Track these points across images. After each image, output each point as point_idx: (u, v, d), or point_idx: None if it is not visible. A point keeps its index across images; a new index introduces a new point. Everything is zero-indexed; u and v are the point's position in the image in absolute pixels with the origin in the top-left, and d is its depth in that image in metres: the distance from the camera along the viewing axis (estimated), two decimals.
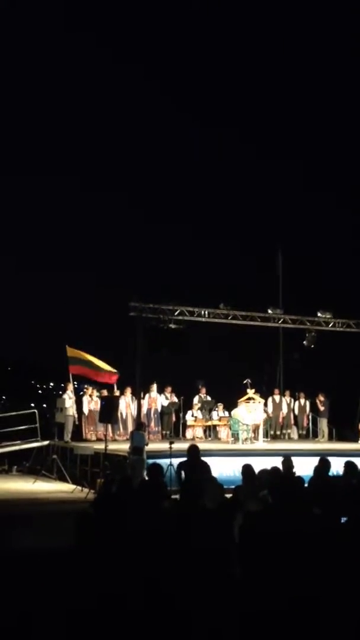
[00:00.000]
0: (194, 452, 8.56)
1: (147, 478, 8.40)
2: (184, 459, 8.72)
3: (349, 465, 7.93)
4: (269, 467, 7.37)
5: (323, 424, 19.41)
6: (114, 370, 17.69)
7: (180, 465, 8.71)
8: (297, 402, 19.93)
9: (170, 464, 12.16)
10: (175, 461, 12.62)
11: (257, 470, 7.28)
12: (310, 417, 20.01)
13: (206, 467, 8.14)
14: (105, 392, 17.74)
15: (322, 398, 19.44)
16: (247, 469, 7.16)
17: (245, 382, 17.21)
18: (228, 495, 6.57)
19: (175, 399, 18.36)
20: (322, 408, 19.41)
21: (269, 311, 18.34)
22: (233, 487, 7.03)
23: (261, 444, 16.54)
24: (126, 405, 17.68)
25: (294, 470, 8.34)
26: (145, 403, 17.61)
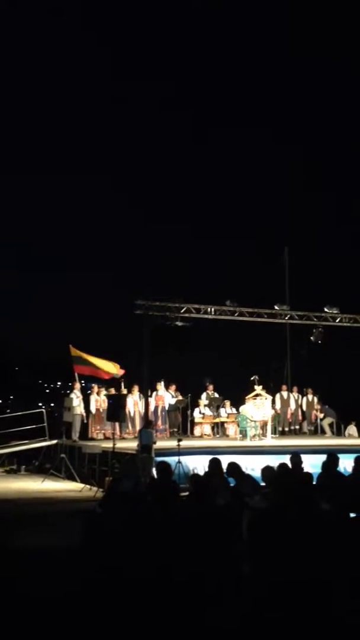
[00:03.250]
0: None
1: (155, 476, 8.38)
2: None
3: (358, 461, 7.88)
4: (275, 465, 7.33)
5: (324, 423, 19.50)
6: (115, 370, 17.66)
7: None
8: (305, 398, 19.89)
9: (179, 462, 12.15)
10: (184, 459, 12.64)
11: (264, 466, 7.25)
12: (319, 409, 19.96)
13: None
14: (112, 391, 17.76)
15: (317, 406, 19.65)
16: (235, 468, 7.13)
17: (252, 378, 17.16)
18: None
19: (180, 397, 18.34)
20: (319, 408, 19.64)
21: (276, 307, 18.28)
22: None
23: (269, 440, 16.50)
24: (134, 403, 17.67)
25: (302, 466, 8.30)
26: (152, 401, 17.60)
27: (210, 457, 8.56)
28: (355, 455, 8.31)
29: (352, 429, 19.61)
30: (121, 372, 17.70)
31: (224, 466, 7.41)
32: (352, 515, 5.90)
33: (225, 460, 7.75)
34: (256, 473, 8.03)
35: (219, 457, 7.91)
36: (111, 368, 17.68)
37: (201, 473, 10.77)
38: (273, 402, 18.00)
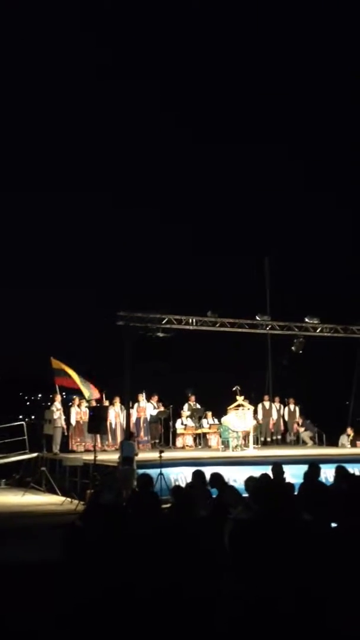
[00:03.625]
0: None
1: (137, 489, 8.32)
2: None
3: (339, 470, 7.90)
4: (258, 475, 7.33)
5: (304, 435, 19.63)
6: (95, 390, 17.56)
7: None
8: (286, 408, 19.94)
9: (161, 474, 12.09)
10: (166, 470, 12.58)
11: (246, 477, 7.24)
12: (300, 423, 20.04)
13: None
14: (93, 402, 17.65)
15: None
16: (217, 479, 7.12)
17: (234, 389, 17.19)
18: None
19: (162, 408, 18.29)
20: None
21: (257, 318, 18.35)
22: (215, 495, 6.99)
23: (252, 450, 16.50)
24: (115, 415, 17.59)
25: (284, 476, 8.31)
26: (134, 412, 17.53)
27: (192, 468, 8.54)
28: (336, 465, 8.34)
29: (344, 438, 19.68)
30: (97, 396, 17.57)
31: (208, 478, 7.38)
32: (333, 525, 5.90)
33: (207, 471, 7.72)
34: (238, 484, 8.02)
35: (201, 468, 7.89)
36: (86, 391, 17.47)
37: (183, 485, 10.74)
38: (255, 412, 18.03)
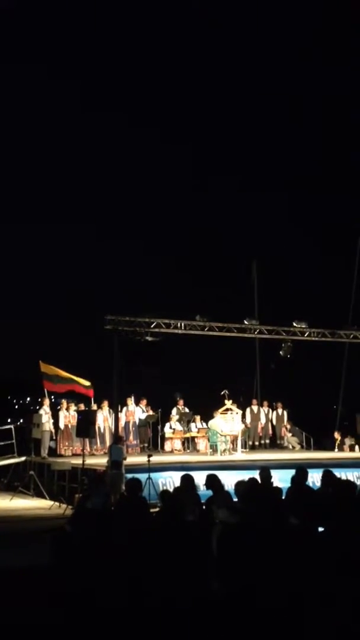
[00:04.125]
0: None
1: (125, 493, 8.34)
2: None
3: (326, 475, 7.97)
4: (246, 479, 7.37)
5: (291, 440, 19.76)
6: (88, 384, 17.64)
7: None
8: (274, 412, 20.02)
9: (149, 478, 12.10)
10: (155, 474, 12.59)
11: (234, 481, 7.28)
12: (288, 428, 20.14)
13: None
14: (82, 406, 17.64)
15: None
16: (213, 479, 7.16)
17: (222, 393, 17.23)
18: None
19: (151, 412, 18.31)
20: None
21: (245, 322, 18.42)
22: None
23: (240, 455, 16.54)
24: (104, 419, 17.59)
25: (272, 480, 8.36)
26: (122, 416, 17.53)
27: (180, 473, 8.56)
28: (323, 469, 8.40)
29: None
30: (90, 391, 17.60)
31: (202, 480, 7.41)
32: (320, 529, 5.96)
33: (196, 475, 7.75)
34: (227, 488, 8.05)
35: (190, 472, 7.92)
36: (84, 382, 17.60)
37: (171, 489, 10.76)
38: (243, 416, 18.08)
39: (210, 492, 7.11)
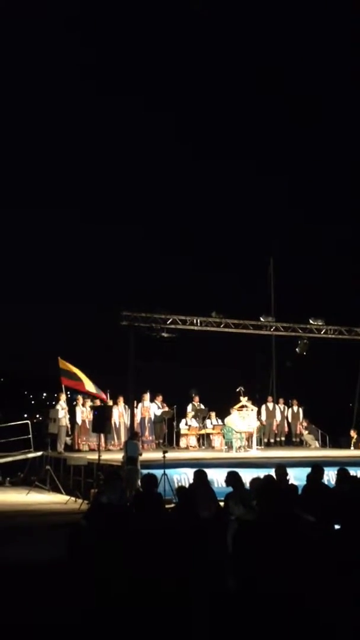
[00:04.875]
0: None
1: (141, 489, 8.37)
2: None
3: (341, 472, 7.94)
4: (262, 476, 7.37)
5: (307, 438, 19.67)
6: (101, 393, 17.59)
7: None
8: (290, 410, 19.96)
9: (165, 474, 12.13)
10: (170, 471, 12.62)
11: (250, 478, 7.29)
12: (305, 426, 20.08)
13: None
14: (98, 402, 17.70)
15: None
16: (233, 476, 7.17)
17: (238, 390, 17.21)
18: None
19: (166, 408, 18.33)
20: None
21: (261, 319, 18.36)
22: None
23: (255, 452, 16.52)
24: (119, 414, 17.64)
25: (287, 478, 8.35)
26: (138, 412, 17.57)
27: (195, 469, 8.58)
28: (339, 467, 8.37)
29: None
30: (103, 396, 17.57)
31: (217, 477, 7.45)
32: (336, 527, 5.95)
33: (212, 472, 7.77)
34: None
35: (205, 469, 7.93)
36: (93, 388, 17.47)
37: (187, 485, 10.77)
38: (259, 413, 18.04)
39: (227, 489, 7.12)
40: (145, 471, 11.38)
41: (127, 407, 17.29)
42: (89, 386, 17.30)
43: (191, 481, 7.99)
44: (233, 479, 7.10)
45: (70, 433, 17.45)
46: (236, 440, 16.42)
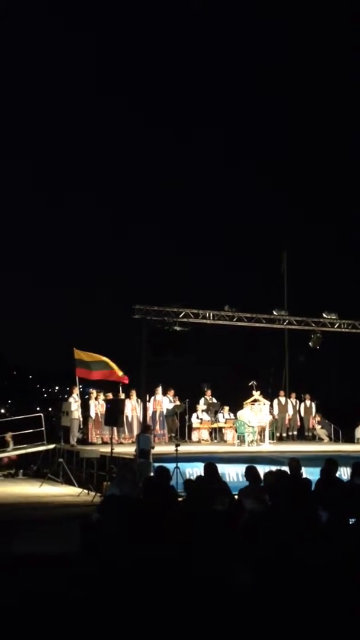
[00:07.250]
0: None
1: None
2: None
3: (356, 466, 7.88)
4: (274, 470, 7.34)
5: (320, 432, 19.60)
6: (122, 374, 17.57)
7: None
8: (302, 404, 19.88)
9: (177, 467, 12.12)
10: (182, 464, 12.61)
11: (261, 472, 7.26)
12: (318, 420, 19.98)
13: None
14: (110, 395, 17.72)
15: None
16: (251, 471, 7.14)
17: (250, 384, 17.15)
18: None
19: (178, 402, 18.33)
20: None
21: (274, 312, 18.28)
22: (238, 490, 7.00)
23: (267, 446, 16.48)
24: (132, 408, 17.66)
25: (301, 472, 8.29)
26: (150, 406, 17.58)
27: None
28: (353, 461, 8.31)
29: (359, 431, 19.56)
30: (125, 379, 17.54)
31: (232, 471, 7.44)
32: (350, 521, 5.90)
33: (224, 467, 7.75)
34: None
35: (216, 462, 7.90)
36: (118, 370, 17.48)
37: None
38: (271, 407, 17.98)
39: (238, 483, 7.11)
40: (157, 464, 11.38)
41: (139, 400, 17.31)
42: (113, 366, 17.16)
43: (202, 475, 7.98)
44: (252, 475, 7.08)
45: (82, 426, 17.50)
46: (248, 434, 16.38)
